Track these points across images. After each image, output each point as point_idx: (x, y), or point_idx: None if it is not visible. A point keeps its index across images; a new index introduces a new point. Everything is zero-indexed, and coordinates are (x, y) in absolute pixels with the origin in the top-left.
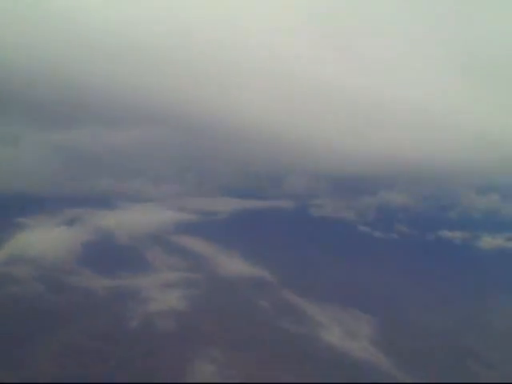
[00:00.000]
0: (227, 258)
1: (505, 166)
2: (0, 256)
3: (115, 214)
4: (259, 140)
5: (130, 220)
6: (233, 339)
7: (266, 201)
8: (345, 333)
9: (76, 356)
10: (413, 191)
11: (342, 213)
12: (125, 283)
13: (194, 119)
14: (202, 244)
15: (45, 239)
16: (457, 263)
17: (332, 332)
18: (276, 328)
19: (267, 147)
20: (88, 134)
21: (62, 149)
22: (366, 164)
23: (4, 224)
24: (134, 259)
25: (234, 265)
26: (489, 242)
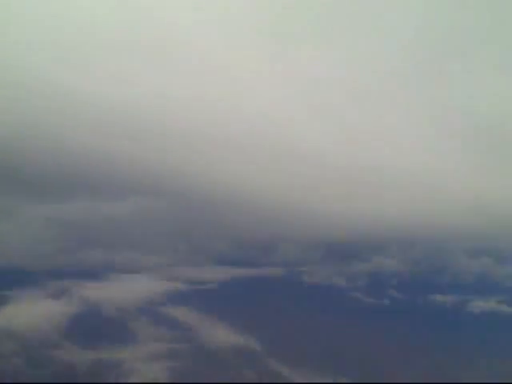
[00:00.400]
0: (215, 327)
1: (497, 230)
2: None
3: (104, 286)
4: (250, 209)
5: (117, 292)
6: None
7: (256, 269)
8: None
9: None
10: (405, 256)
11: (334, 279)
12: (108, 356)
13: (185, 190)
14: (190, 314)
15: (30, 313)
16: (448, 328)
17: None
18: None
19: (258, 216)
20: (80, 207)
21: (53, 222)
22: (357, 230)
23: None
24: (119, 331)
25: (221, 335)
26: (480, 305)
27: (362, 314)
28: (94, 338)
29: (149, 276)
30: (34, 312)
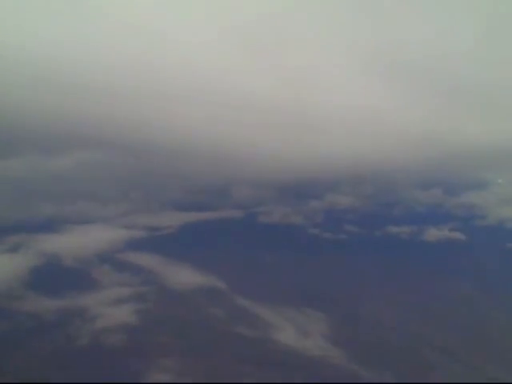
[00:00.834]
0: (178, 270)
1: (446, 163)
2: None
3: (61, 238)
4: (202, 153)
5: (76, 242)
6: (187, 348)
7: (214, 212)
8: (299, 333)
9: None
10: (358, 191)
11: (291, 218)
12: (73, 303)
13: (135, 138)
14: (152, 259)
15: None
16: (404, 257)
17: (286, 333)
18: (230, 333)
19: (211, 160)
20: (27, 162)
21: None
22: (309, 169)
23: None
24: (81, 279)
25: (184, 276)
26: (434, 234)
27: (321, 249)
28: (57, 287)
29: (105, 225)
30: None
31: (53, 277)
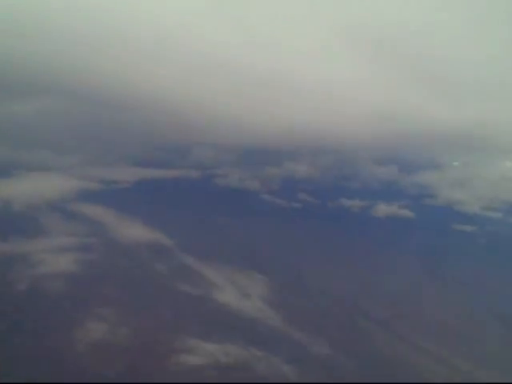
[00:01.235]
0: (127, 224)
1: (403, 139)
2: None
3: (13, 183)
4: (164, 111)
5: (27, 188)
6: (127, 300)
7: (170, 170)
8: (240, 294)
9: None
10: (315, 162)
11: (247, 182)
12: (16, 248)
13: (97, 89)
14: (103, 212)
15: None
16: (353, 230)
17: (228, 293)
18: (172, 290)
19: (172, 118)
20: None
21: None
22: (270, 136)
23: None
24: (29, 226)
25: (133, 231)
26: (382, 209)
27: (273, 216)
28: (3, 231)
29: (60, 174)
30: None
31: (0, 221)
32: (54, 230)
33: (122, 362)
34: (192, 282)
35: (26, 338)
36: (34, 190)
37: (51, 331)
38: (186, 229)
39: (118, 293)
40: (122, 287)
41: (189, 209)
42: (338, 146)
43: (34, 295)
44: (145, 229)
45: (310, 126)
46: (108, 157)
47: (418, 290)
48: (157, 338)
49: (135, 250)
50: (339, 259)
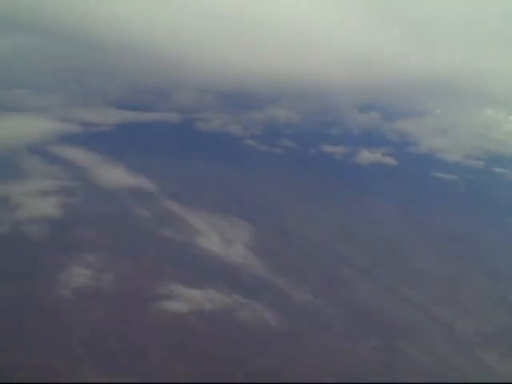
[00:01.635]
0: (110, 168)
1: (386, 86)
2: None
3: None
4: (146, 53)
5: (7, 130)
6: (109, 246)
7: (152, 113)
8: (223, 240)
9: None
10: (298, 107)
11: (229, 127)
12: None
13: (75, 28)
14: (84, 155)
15: None
16: (336, 177)
17: (211, 239)
18: (155, 235)
19: (154, 60)
20: None
21: None
22: (253, 80)
23: None
24: (8, 168)
25: (115, 175)
26: (366, 157)
27: (256, 161)
28: None
29: (40, 116)
30: None
31: None
32: (34, 173)
33: (105, 307)
34: (175, 227)
35: (8, 282)
36: (12, 132)
37: (34, 276)
38: (169, 174)
39: (101, 238)
40: (104, 232)
41: (171, 153)
42: (321, 91)
43: (15, 239)
44: (127, 173)
45: (292, 71)
46: (89, 98)
47: (399, 239)
48: (140, 284)
49: (117, 195)
50: (322, 206)
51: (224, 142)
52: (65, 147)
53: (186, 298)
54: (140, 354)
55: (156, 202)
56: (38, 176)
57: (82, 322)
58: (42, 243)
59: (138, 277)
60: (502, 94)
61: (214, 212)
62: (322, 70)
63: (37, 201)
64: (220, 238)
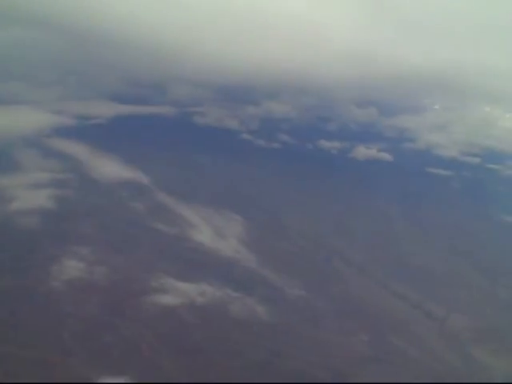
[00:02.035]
0: (103, 161)
1: (383, 82)
2: None
3: None
4: (143, 47)
5: (1, 122)
6: (103, 238)
7: (148, 107)
8: (216, 233)
9: None
10: (295, 102)
11: (225, 121)
12: None
13: (72, 22)
14: (79, 147)
15: None
16: (332, 172)
17: (204, 233)
18: (149, 228)
19: (151, 54)
20: None
21: None
22: (250, 74)
23: None
24: (2, 161)
25: (109, 168)
26: (362, 152)
27: (252, 156)
28: None
29: (35, 108)
30: None
31: None
32: (28, 166)
33: (98, 300)
34: (168, 220)
35: (1, 274)
36: (7, 125)
37: (27, 268)
38: (163, 167)
39: (94, 230)
40: (97, 225)
41: (166, 147)
42: (318, 87)
43: (9, 231)
44: (121, 166)
45: (290, 66)
46: (84, 91)
47: (394, 234)
48: (132, 277)
49: (111, 188)
50: (317, 201)
51: (220, 136)
52: (60, 140)
53: (178, 292)
54: (132, 347)
55: (150, 195)
56: (32, 168)
57: (74, 315)
58: (35, 235)
59: (130, 270)
60: (500, 91)
61: (209, 206)
62: (319, 65)
63: (31, 193)
64: (213, 231)
